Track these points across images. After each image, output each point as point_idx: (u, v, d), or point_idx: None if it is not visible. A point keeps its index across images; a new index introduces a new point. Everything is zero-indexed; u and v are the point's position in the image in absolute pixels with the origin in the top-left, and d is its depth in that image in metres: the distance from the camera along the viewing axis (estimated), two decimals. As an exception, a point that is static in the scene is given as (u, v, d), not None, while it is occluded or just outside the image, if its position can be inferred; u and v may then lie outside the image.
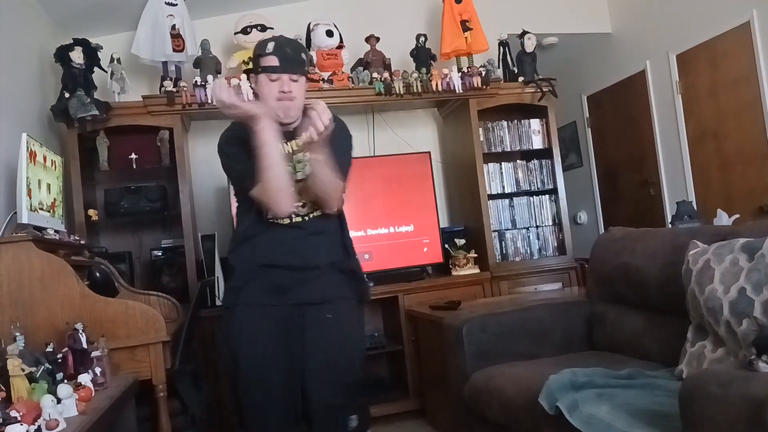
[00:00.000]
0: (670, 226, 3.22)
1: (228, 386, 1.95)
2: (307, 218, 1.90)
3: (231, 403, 1.96)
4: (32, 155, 2.26)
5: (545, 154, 3.92)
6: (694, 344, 1.82)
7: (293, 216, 1.87)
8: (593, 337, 2.46)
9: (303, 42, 3.58)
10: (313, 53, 3.54)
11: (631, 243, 2.31)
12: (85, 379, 1.72)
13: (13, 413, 1.37)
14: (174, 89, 3.25)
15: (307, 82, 1.93)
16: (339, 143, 1.88)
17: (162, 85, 3.28)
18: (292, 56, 1.84)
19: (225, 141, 1.90)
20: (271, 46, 1.83)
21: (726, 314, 1.63)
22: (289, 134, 1.89)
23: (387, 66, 3.66)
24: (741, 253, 1.67)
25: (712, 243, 1.81)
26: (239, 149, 1.84)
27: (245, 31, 3.48)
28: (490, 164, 3.83)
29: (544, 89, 3.77)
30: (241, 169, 1.84)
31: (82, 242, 2.72)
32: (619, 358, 2.16)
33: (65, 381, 1.67)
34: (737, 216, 2.88)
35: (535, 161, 3.92)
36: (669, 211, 4.18)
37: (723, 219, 2.84)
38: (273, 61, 1.82)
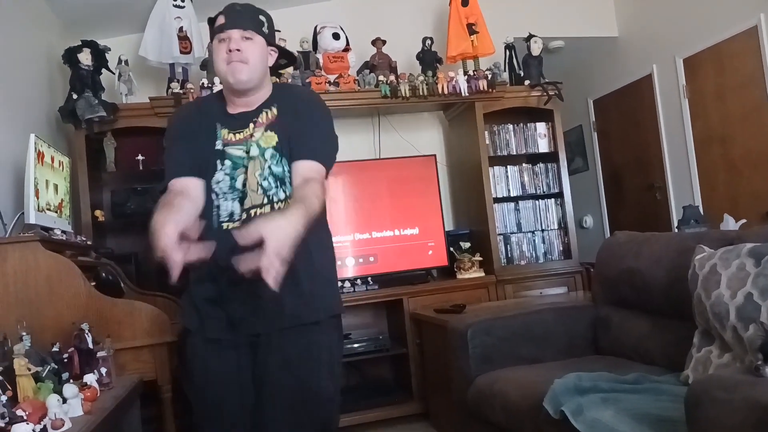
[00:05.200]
0: (676, 230, 3.21)
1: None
2: (249, 214, 1.54)
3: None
4: (40, 156, 2.27)
5: (551, 157, 3.91)
6: (700, 349, 1.81)
7: (242, 216, 1.54)
8: (598, 342, 2.46)
9: (309, 45, 3.58)
10: (319, 56, 3.55)
11: (636, 247, 2.31)
12: (90, 379, 1.73)
13: (19, 412, 1.38)
14: (181, 91, 3.26)
15: (270, 49, 1.63)
16: (311, 123, 1.60)
17: (169, 87, 3.30)
18: (242, 12, 1.58)
19: (173, 119, 1.75)
20: (223, 9, 1.60)
21: (732, 319, 1.62)
22: (250, 113, 1.62)
23: (393, 69, 3.66)
24: (748, 258, 1.66)
25: (719, 248, 1.80)
26: (173, 144, 1.64)
27: (252, 33, 3.48)
28: (496, 167, 3.82)
29: (551, 93, 3.77)
30: (168, 162, 1.62)
31: (89, 243, 2.74)
32: (625, 363, 2.15)
33: (71, 381, 1.69)
34: (744, 221, 2.88)
35: (541, 165, 3.91)
36: (675, 216, 4.17)
37: (730, 224, 2.83)
38: (221, 20, 1.57)
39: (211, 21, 1.62)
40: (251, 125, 1.60)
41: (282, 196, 1.56)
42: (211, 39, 1.63)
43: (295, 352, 1.53)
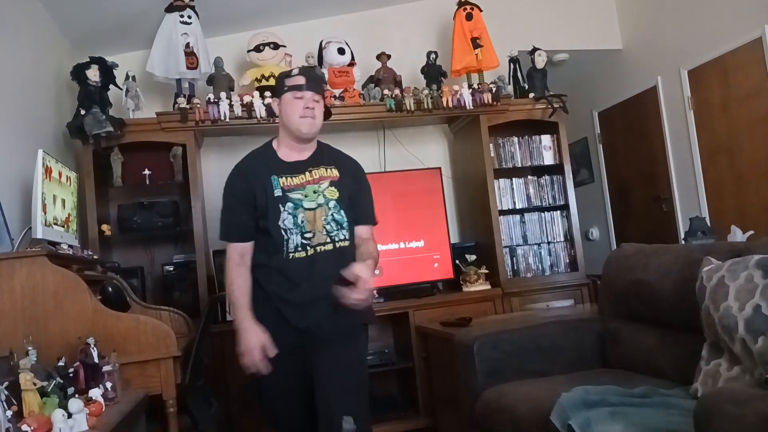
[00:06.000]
0: (683, 242, 3.19)
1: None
2: (316, 249, 1.96)
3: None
4: (48, 171, 2.29)
5: (556, 169, 3.91)
6: (709, 362, 1.80)
7: (307, 248, 1.96)
8: (606, 355, 2.44)
9: (315, 59, 3.62)
10: (324, 71, 3.58)
11: (643, 259, 2.29)
12: (95, 393, 1.72)
13: (24, 427, 1.38)
14: (187, 106, 3.29)
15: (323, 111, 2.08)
16: (365, 192, 2.13)
17: (176, 102, 3.33)
18: (316, 78, 2.10)
19: (229, 184, 2.07)
20: (296, 70, 2.07)
21: (741, 332, 1.61)
22: (305, 162, 2.04)
23: (398, 83, 3.68)
24: (756, 269, 1.65)
25: (726, 259, 1.79)
26: (237, 200, 2.02)
27: (258, 48, 3.53)
28: (501, 180, 3.83)
29: (555, 105, 3.78)
30: (226, 221, 2.06)
31: (95, 257, 2.75)
32: (633, 376, 2.13)
33: (76, 395, 1.68)
34: (752, 232, 2.85)
35: (547, 177, 3.91)
36: (682, 227, 4.15)
37: (737, 235, 2.81)
38: (300, 80, 2.01)
39: (285, 76, 2.06)
40: (307, 173, 2.02)
41: (341, 236, 2.01)
42: (283, 90, 2.04)
43: (344, 344, 2.00)
